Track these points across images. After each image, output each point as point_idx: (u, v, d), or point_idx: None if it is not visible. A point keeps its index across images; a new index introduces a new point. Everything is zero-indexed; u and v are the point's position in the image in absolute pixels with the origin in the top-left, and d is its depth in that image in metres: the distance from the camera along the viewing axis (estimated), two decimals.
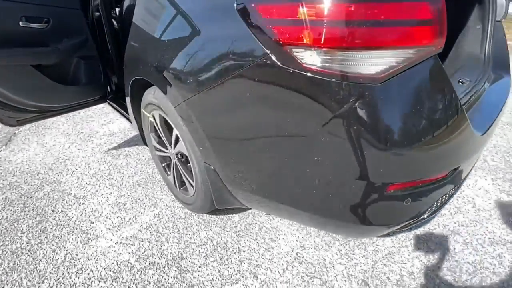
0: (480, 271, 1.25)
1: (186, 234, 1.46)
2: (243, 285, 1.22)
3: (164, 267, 1.30)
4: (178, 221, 1.53)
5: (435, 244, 1.38)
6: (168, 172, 1.63)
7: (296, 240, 1.41)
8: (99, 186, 1.81)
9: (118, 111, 2.01)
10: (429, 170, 0.77)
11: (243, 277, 1.25)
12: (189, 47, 0.93)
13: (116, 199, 1.69)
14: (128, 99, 1.58)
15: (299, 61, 0.70)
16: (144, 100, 1.44)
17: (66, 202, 1.69)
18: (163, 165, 1.64)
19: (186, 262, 1.32)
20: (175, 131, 1.28)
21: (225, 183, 1.12)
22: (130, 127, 2.44)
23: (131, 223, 1.53)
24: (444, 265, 1.28)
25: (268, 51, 0.75)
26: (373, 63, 0.67)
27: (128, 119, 1.90)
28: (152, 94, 1.33)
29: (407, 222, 0.88)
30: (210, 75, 0.89)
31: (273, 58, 0.74)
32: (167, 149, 1.48)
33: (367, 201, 0.78)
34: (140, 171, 1.92)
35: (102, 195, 1.73)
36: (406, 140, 0.71)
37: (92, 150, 2.16)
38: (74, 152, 2.14)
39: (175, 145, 1.37)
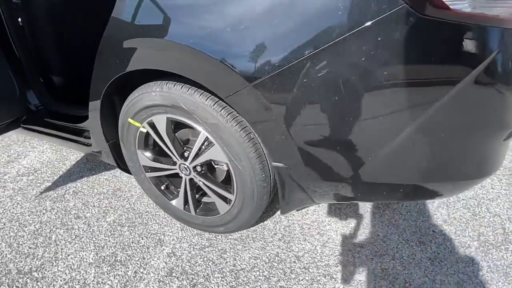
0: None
1: (226, 262, 1.16)
2: None
3: None
4: (205, 252, 1.20)
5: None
6: (170, 196, 1.25)
7: (342, 226, 1.33)
8: (57, 245, 1.23)
9: (49, 135, 1.42)
10: None
11: (320, 283, 1.09)
12: (272, 8, 0.70)
13: (97, 254, 1.19)
14: (97, 111, 1.12)
15: (451, 7, 0.62)
16: (134, 106, 1.05)
17: (9, 285, 1.08)
18: (162, 187, 1.25)
19: None
20: (204, 135, 0.98)
21: (300, 182, 0.92)
22: (56, 158, 1.78)
23: (141, 276, 1.11)
24: (458, 205, 1.46)
25: (403, 1, 0.63)
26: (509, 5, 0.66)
27: (73, 140, 1.38)
28: (156, 92, 0.97)
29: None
30: (306, 41, 0.69)
31: (411, 8, 0.63)
32: (175, 164, 1.13)
33: (496, 150, 0.79)
34: (111, 208, 1.42)
35: (69, 255, 1.19)
36: None
37: (12, 200, 1.46)
38: None
39: (195, 156, 1.05)
